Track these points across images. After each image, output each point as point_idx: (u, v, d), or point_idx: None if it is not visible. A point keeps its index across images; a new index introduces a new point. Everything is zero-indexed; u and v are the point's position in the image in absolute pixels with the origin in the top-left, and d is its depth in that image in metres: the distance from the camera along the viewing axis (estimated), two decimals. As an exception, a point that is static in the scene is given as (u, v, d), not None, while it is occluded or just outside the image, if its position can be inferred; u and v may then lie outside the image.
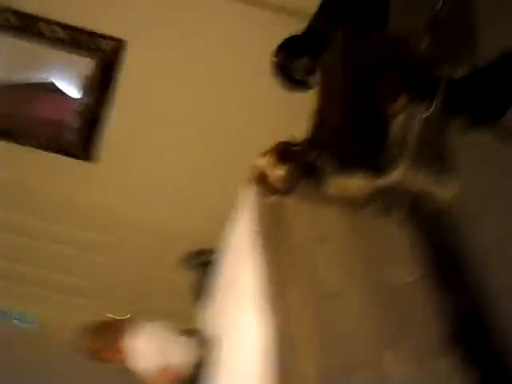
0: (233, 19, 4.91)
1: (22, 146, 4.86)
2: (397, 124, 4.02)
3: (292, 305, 2.93)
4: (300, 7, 4.50)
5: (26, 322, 5.13)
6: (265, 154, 3.77)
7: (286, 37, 4.23)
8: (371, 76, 3.86)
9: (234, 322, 3.28)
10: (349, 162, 3.81)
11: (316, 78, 4.23)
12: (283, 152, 3.77)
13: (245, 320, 3.06)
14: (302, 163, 3.76)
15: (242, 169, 3.91)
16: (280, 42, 4.29)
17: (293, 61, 4.25)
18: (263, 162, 3.75)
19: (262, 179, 3.77)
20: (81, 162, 4.97)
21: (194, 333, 3.76)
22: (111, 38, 4.75)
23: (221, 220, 3.82)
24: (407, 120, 4.22)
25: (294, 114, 4.51)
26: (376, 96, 3.85)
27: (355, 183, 3.81)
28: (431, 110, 3.16)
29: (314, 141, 3.86)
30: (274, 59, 4.30)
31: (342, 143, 3.83)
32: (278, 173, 3.72)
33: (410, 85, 3.19)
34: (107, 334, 3.67)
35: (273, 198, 3.73)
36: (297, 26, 4.12)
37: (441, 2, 4.55)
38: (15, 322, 5.11)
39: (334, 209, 3.81)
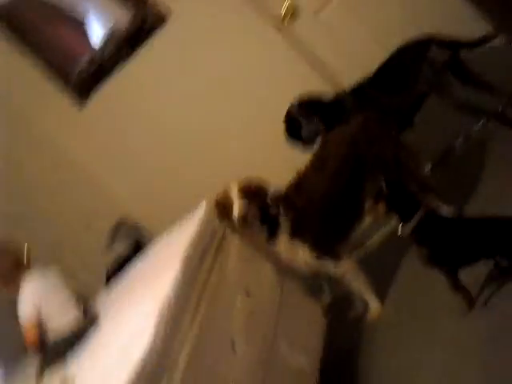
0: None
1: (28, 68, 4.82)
2: (363, 224, 4.10)
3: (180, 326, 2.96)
4: None
5: None
6: (239, 183, 3.81)
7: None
8: (368, 168, 3.93)
9: (127, 311, 3.29)
10: (305, 232, 3.88)
11: (316, 142, 4.30)
12: (254, 191, 3.82)
13: (137, 314, 3.08)
14: (264, 209, 3.82)
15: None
16: (303, 98, 4.36)
17: (306, 119, 4.32)
18: (234, 192, 3.79)
19: (223, 203, 3.80)
20: (69, 104, 4.94)
21: (86, 301, 3.77)
22: (159, 4, 4.77)
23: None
24: (374, 226, 4.30)
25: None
26: (362, 190, 3.92)
27: (301, 252, 3.88)
28: (400, 230, 3.24)
29: (286, 198, 3.91)
30: (291, 109, 4.36)
31: (310, 214, 3.89)
32: (239, 205, 3.76)
33: (393, 198, 3.27)
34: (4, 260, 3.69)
35: (222, 225, 3.77)
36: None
37: (460, 140, 4.66)
38: None
39: (270, 267, 3.86)
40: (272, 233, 3.87)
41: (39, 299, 3.59)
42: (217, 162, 4.98)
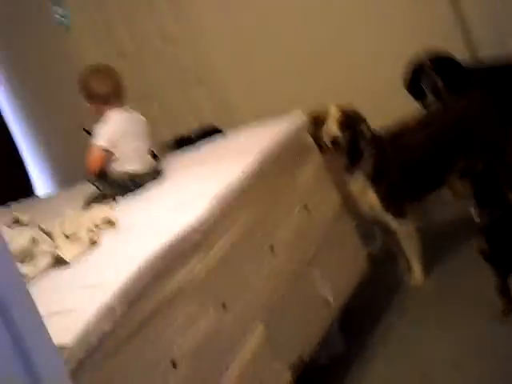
0: None
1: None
2: (440, 195, 4.08)
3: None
4: None
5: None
6: (340, 106, 3.81)
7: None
8: (469, 146, 3.89)
9: (189, 181, 3.36)
10: (382, 180, 3.88)
11: (430, 101, 4.24)
12: (352, 118, 3.81)
13: (195, 189, 3.14)
14: (355, 140, 3.82)
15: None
16: (437, 53, 4.27)
17: (432, 75, 4.23)
18: (333, 112, 3.80)
19: (317, 121, 3.81)
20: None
21: (158, 158, 3.83)
22: None
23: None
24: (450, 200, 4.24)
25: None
26: (454, 162, 3.88)
27: (370, 195, 3.92)
28: (475, 216, 3.23)
29: (380, 140, 3.90)
30: (421, 61, 4.28)
31: (396, 165, 3.93)
32: (334, 129, 3.78)
33: (480, 181, 3.25)
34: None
35: (311, 139, 3.79)
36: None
37: None
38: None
39: (336, 195, 3.86)
40: (353, 165, 3.88)
41: (121, 132, 3.63)
42: (321, 83, 4.89)
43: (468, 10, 4.51)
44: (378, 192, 3.90)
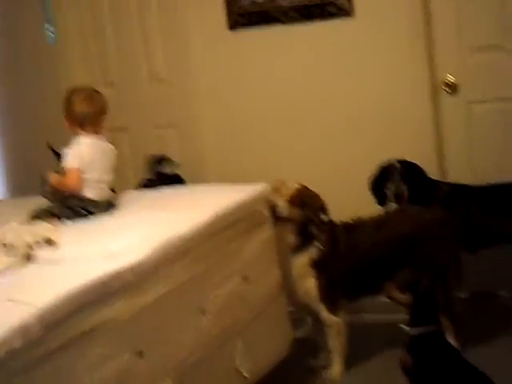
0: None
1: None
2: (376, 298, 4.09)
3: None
4: None
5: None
6: (300, 186, 3.89)
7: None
8: (415, 259, 3.92)
9: (138, 220, 3.36)
10: (326, 270, 3.90)
11: (389, 205, 4.27)
12: (305, 202, 3.86)
13: (143, 230, 3.15)
14: (307, 223, 3.88)
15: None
16: (409, 162, 4.30)
17: (400, 181, 4.25)
18: (289, 186, 3.89)
19: (275, 190, 3.88)
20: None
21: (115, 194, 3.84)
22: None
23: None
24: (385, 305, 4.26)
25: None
26: (395, 272, 3.90)
27: (309, 282, 3.91)
28: (407, 328, 3.26)
29: (332, 230, 3.93)
30: (391, 165, 4.29)
31: (342, 259, 3.95)
32: (280, 202, 3.85)
33: (420, 298, 3.29)
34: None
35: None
36: None
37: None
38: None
39: (277, 273, 3.88)
40: (300, 246, 3.91)
41: (89, 158, 3.64)
42: (299, 162, 4.92)
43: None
44: (318, 281, 3.91)
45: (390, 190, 4.23)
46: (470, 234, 4.12)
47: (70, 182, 3.62)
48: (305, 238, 3.91)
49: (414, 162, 4.28)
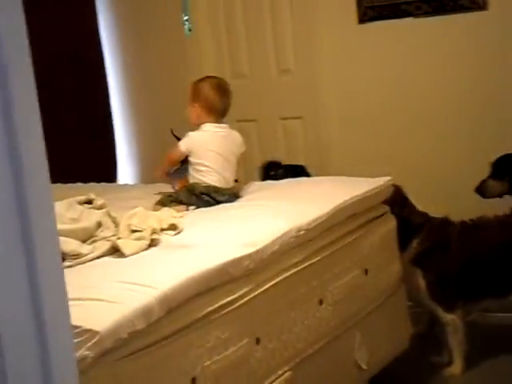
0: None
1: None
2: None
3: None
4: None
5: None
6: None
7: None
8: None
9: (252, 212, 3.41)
10: (433, 268, 3.87)
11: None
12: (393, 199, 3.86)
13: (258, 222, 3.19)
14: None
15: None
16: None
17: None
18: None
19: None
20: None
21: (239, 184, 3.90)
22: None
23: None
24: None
25: None
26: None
27: (419, 280, 3.88)
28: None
29: (430, 229, 3.93)
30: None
31: (454, 262, 3.92)
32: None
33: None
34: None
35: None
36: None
37: None
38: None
39: (397, 268, 3.86)
40: (402, 243, 3.89)
41: (209, 145, 3.71)
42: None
43: None
44: (425, 279, 3.88)
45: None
46: None
47: (167, 156, 3.79)
48: (404, 237, 3.88)
49: None
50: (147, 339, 2.39)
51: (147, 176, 5.12)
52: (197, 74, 4.65)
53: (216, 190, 3.67)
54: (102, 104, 5.75)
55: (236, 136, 3.84)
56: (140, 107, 5.80)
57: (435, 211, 4.05)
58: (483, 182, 4.13)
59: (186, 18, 5.44)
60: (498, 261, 3.87)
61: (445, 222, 3.94)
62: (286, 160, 4.97)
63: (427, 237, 3.89)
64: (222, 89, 3.80)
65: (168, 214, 3.30)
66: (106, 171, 5.62)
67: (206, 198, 3.64)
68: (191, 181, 3.71)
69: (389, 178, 3.82)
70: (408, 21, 4.80)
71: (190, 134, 3.73)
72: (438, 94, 4.79)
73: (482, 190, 4.12)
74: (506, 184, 4.10)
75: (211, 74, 4.22)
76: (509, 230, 3.95)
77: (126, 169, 5.87)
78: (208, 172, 3.69)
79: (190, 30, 5.45)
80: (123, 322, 2.27)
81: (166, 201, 3.65)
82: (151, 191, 3.93)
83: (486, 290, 3.92)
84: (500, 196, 4.12)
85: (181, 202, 3.63)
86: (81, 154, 5.57)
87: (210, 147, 3.71)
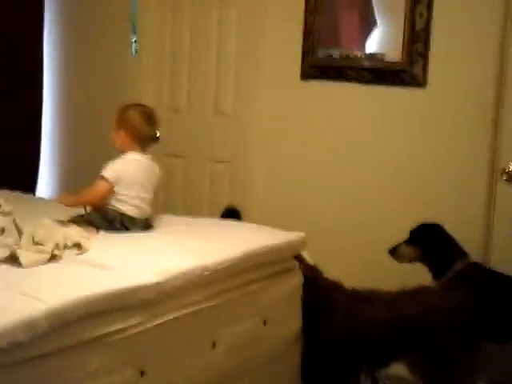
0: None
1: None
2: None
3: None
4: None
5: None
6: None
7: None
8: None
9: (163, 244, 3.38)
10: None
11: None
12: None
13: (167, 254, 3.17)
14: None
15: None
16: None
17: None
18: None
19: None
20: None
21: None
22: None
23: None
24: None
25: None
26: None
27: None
28: None
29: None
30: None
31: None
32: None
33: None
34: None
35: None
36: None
37: None
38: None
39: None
40: None
41: (131, 175, 3.67)
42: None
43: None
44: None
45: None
46: (499, 324, 4.04)
47: (93, 192, 3.64)
48: None
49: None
50: (28, 352, 2.33)
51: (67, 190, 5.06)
52: (134, 96, 4.64)
53: (131, 220, 3.64)
54: (34, 107, 5.68)
55: (155, 167, 3.82)
56: (71, 118, 5.79)
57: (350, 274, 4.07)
58: (398, 245, 4.25)
59: (134, 39, 5.44)
60: (377, 339, 3.84)
61: (333, 287, 3.93)
62: (208, 202, 4.98)
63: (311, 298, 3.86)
64: (150, 118, 3.78)
65: (76, 232, 3.26)
66: (24, 177, 5.52)
67: (119, 226, 3.61)
68: (108, 206, 3.66)
69: (303, 234, 3.83)
70: (350, 85, 4.87)
71: (114, 162, 3.69)
72: (370, 159, 4.85)
73: (394, 253, 4.24)
74: (419, 251, 4.21)
75: (142, 103, 4.18)
76: (395, 309, 3.90)
77: (46, 180, 5.78)
78: (126, 202, 3.66)
79: (136, 52, 5.45)
80: (3, 331, 2.21)
81: (78, 220, 3.59)
82: (65, 210, 3.82)
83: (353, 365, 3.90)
84: (411, 261, 4.23)
85: (91, 224, 3.58)
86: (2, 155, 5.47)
87: (133, 177, 3.68)
